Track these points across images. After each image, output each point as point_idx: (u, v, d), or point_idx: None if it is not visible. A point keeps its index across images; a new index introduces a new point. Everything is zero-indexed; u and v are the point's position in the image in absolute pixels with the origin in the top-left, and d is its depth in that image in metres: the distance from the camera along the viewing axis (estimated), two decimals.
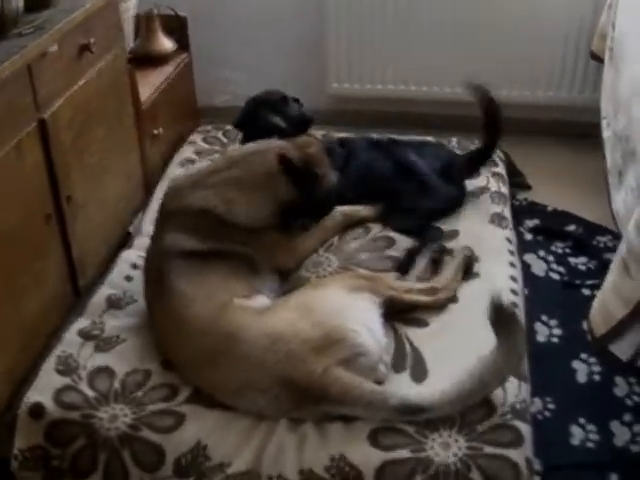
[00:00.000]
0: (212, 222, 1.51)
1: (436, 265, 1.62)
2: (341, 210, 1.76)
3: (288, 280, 1.62)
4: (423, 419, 1.25)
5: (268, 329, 1.31)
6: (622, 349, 1.37)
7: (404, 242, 1.73)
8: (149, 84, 2.13)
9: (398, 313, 1.49)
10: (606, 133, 1.93)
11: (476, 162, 1.99)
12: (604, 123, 1.97)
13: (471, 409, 1.29)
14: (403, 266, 1.62)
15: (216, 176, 1.55)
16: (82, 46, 1.62)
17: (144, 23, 2.33)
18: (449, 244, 1.71)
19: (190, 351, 1.37)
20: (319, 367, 1.25)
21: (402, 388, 1.30)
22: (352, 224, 1.78)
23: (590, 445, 1.44)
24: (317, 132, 2.23)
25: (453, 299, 1.55)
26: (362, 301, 1.39)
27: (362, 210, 1.80)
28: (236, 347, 1.31)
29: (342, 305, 1.36)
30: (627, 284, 1.30)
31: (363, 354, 1.29)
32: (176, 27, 2.38)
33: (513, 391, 1.33)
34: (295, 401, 1.28)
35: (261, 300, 1.44)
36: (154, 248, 1.53)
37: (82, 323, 1.52)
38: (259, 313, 1.36)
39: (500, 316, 1.29)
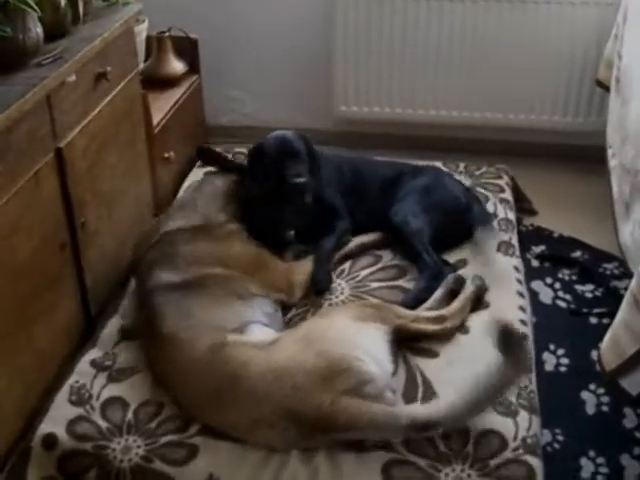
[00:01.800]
0: (186, 245, 1.57)
1: (453, 296, 1.63)
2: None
3: (293, 307, 1.63)
4: (434, 433, 1.26)
5: (271, 364, 1.31)
6: (632, 384, 1.38)
7: (415, 272, 1.74)
8: (160, 107, 2.15)
9: (407, 342, 1.50)
10: (612, 162, 1.95)
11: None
12: (610, 152, 1.98)
13: (483, 443, 1.30)
14: (414, 303, 1.62)
15: (179, 209, 1.69)
16: (98, 74, 1.63)
17: (156, 45, 2.35)
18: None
19: (192, 394, 1.37)
20: (326, 398, 1.26)
21: (410, 406, 1.30)
22: (354, 251, 1.80)
23: (600, 479, 1.44)
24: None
25: (461, 329, 1.56)
26: (367, 329, 1.40)
27: (355, 244, 1.81)
28: (240, 386, 1.31)
29: (347, 334, 1.37)
30: (638, 320, 1.31)
31: (369, 382, 1.29)
32: (187, 49, 2.40)
33: (524, 425, 1.34)
34: (304, 433, 1.28)
35: (256, 331, 1.43)
36: (138, 292, 1.57)
37: (94, 354, 1.52)
38: (259, 348, 1.36)
39: (507, 336, 1.30)
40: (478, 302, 1.63)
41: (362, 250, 1.83)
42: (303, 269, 1.69)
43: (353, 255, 1.82)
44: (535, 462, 1.28)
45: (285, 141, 1.78)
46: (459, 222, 1.86)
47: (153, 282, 1.52)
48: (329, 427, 1.26)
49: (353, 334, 1.37)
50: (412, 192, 1.87)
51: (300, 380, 1.28)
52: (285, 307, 1.65)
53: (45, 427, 1.35)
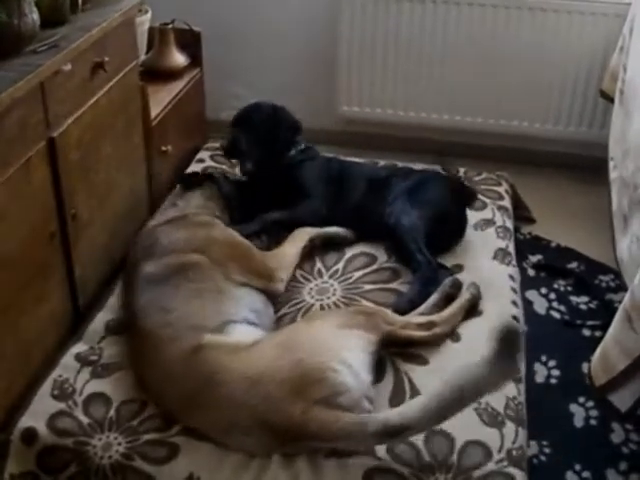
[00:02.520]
0: (164, 236, 1.60)
1: (448, 300, 1.61)
2: (309, 229, 1.80)
3: (278, 301, 1.62)
4: (407, 437, 1.25)
5: (246, 370, 1.30)
6: (622, 400, 1.37)
7: (409, 275, 1.73)
8: (160, 100, 2.12)
9: (397, 348, 1.49)
10: (613, 175, 1.93)
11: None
12: (611, 164, 1.97)
13: (467, 454, 1.29)
14: (408, 307, 1.61)
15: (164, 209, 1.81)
16: (96, 64, 1.61)
17: (158, 37, 2.33)
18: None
19: (169, 395, 1.36)
20: (298, 409, 1.24)
21: (381, 413, 1.27)
22: (325, 241, 1.82)
23: None
24: (326, 154, 2.23)
25: (453, 336, 1.54)
26: (349, 339, 1.38)
27: (333, 230, 1.83)
28: (215, 391, 1.30)
29: (326, 343, 1.35)
30: (630, 337, 1.29)
31: (343, 393, 1.28)
32: (190, 42, 2.37)
33: (510, 436, 1.33)
34: (278, 440, 1.28)
35: (237, 332, 1.41)
36: (123, 288, 1.59)
37: (80, 347, 1.51)
38: (236, 351, 1.34)
39: (505, 334, 1.25)
40: (472, 310, 1.61)
41: (325, 242, 1.83)
42: (280, 254, 1.70)
43: (316, 247, 1.81)
44: (519, 475, 1.27)
45: (243, 111, 2.06)
46: (452, 215, 1.87)
47: (135, 276, 1.53)
48: (300, 436, 1.25)
49: (333, 343, 1.35)
50: (402, 192, 1.88)
51: (273, 389, 1.27)
52: (276, 303, 1.63)
53: (26, 421, 1.34)
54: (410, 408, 1.24)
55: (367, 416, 1.25)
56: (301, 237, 1.78)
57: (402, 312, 1.57)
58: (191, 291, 1.47)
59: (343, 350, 1.34)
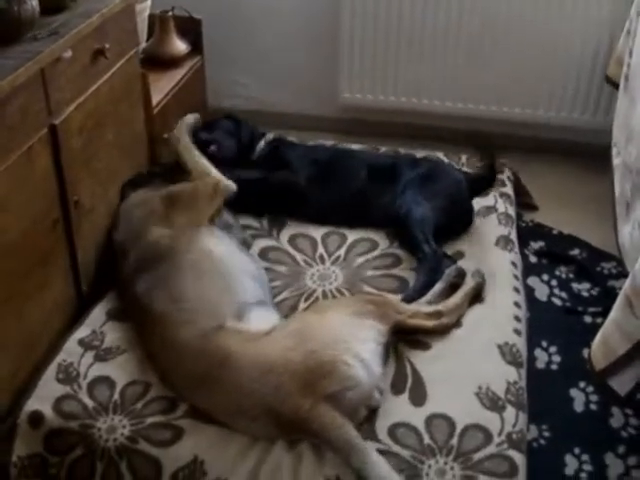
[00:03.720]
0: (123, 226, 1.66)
1: (453, 289, 1.62)
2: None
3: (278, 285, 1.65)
4: None
5: (259, 358, 1.31)
6: (621, 384, 1.37)
7: (411, 262, 1.74)
8: (161, 87, 2.12)
9: (401, 334, 1.50)
10: (616, 161, 1.92)
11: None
12: (614, 150, 1.96)
13: (468, 437, 1.30)
14: (416, 296, 1.61)
15: None
16: (96, 51, 1.61)
17: (158, 24, 2.32)
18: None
19: (181, 374, 1.37)
20: (306, 403, 1.26)
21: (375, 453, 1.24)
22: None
23: (583, 476, 1.45)
24: (327, 141, 2.24)
25: (457, 324, 1.55)
26: (362, 329, 1.39)
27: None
28: (227, 375, 1.31)
29: (339, 334, 1.36)
30: (630, 321, 1.30)
31: (352, 388, 1.29)
32: (190, 29, 2.36)
33: (510, 420, 1.34)
34: (283, 429, 1.29)
35: (254, 319, 1.42)
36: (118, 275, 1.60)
37: (83, 333, 1.52)
38: (251, 338, 1.35)
39: None
40: (476, 297, 1.62)
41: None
42: (196, 169, 1.74)
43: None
44: (518, 457, 1.28)
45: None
46: (463, 207, 1.87)
47: (123, 270, 1.57)
48: (304, 430, 1.27)
49: (346, 334, 1.36)
50: (413, 182, 1.87)
51: (284, 380, 1.28)
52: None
53: (32, 404, 1.36)
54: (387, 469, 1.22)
55: (367, 445, 1.24)
56: (193, 153, 1.80)
57: (409, 303, 1.58)
58: (190, 265, 1.48)
59: (355, 342, 1.35)
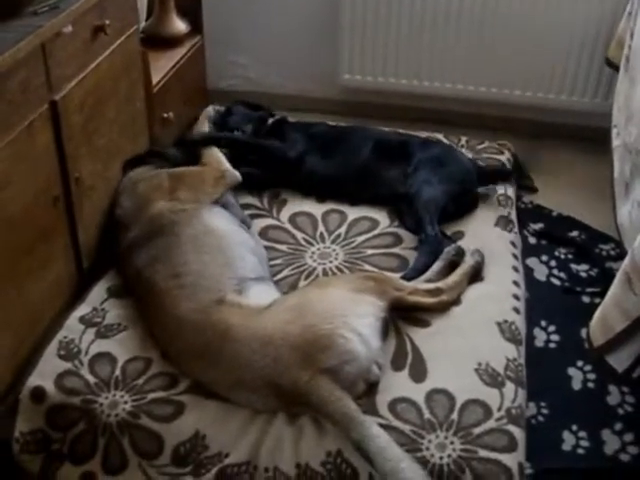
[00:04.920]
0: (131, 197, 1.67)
1: (452, 268, 1.62)
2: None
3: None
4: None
5: (259, 331, 1.32)
6: (619, 360, 1.38)
7: (411, 241, 1.74)
8: (161, 67, 2.11)
9: (401, 311, 1.51)
10: (615, 142, 1.92)
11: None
12: (614, 132, 1.96)
13: (468, 412, 1.31)
14: (415, 276, 1.62)
15: None
16: (96, 27, 1.60)
17: (158, 3, 2.30)
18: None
19: (182, 348, 1.38)
20: (305, 375, 1.27)
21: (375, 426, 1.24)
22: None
23: (580, 452, 1.47)
24: (327, 122, 2.23)
25: (456, 302, 1.56)
26: (361, 305, 1.40)
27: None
28: (227, 346, 1.32)
29: (338, 308, 1.36)
30: (629, 298, 1.30)
31: (350, 362, 1.30)
32: (190, 8, 2.34)
33: (510, 396, 1.36)
34: (283, 401, 1.30)
35: (254, 293, 1.43)
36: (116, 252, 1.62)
37: (83, 310, 1.52)
38: (251, 312, 1.36)
39: None
40: (476, 276, 1.63)
41: None
42: (208, 157, 1.80)
43: None
44: (517, 432, 1.29)
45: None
46: (471, 195, 1.87)
47: (123, 244, 1.58)
48: (303, 402, 1.28)
49: (345, 309, 1.36)
50: (425, 162, 1.88)
51: (283, 352, 1.29)
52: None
53: (34, 380, 1.36)
54: (387, 438, 1.23)
55: (366, 418, 1.25)
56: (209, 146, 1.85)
57: (408, 282, 1.58)
58: (190, 239, 1.50)
59: (354, 317, 1.35)
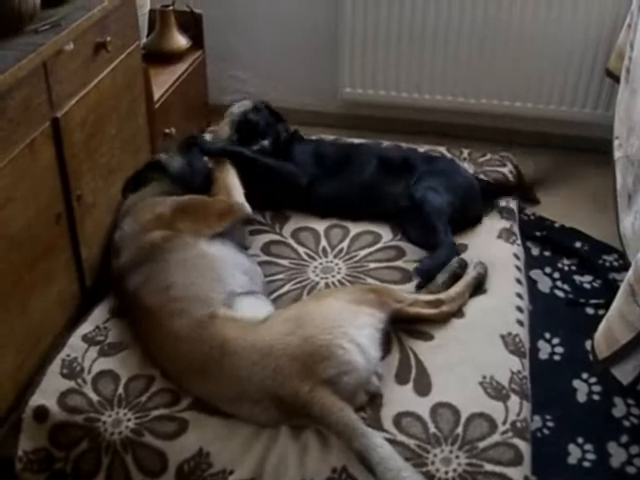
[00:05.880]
0: (122, 228, 1.63)
1: (454, 280, 1.62)
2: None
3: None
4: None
5: (257, 342, 1.31)
6: (624, 373, 1.38)
7: (414, 254, 1.74)
8: (162, 82, 2.13)
9: (403, 324, 1.50)
10: (617, 154, 1.93)
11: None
12: (616, 143, 1.96)
13: (473, 425, 1.30)
14: (422, 284, 1.63)
15: None
16: (98, 44, 1.61)
17: (159, 19, 2.32)
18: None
19: (180, 365, 1.37)
20: (305, 386, 1.26)
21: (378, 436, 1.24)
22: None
23: (586, 465, 1.46)
24: (328, 136, 2.24)
25: (458, 314, 1.55)
26: (360, 316, 1.39)
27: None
28: (226, 360, 1.32)
29: (337, 320, 1.36)
30: (633, 310, 1.30)
31: (348, 372, 1.29)
32: (191, 24, 2.37)
33: (515, 409, 1.35)
34: (285, 413, 1.29)
35: (246, 307, 1.42)
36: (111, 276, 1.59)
37: (86, 328, 1.52)
38: (248, 325, 1.36)
39: None
40: (478, 288, 1.62)
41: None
42: (221, 185, 1.69)
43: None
44: (523, 446, 1.28)
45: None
46: (474, 208, 1.87)
47: (115, 269, 1.57)
48: (305, 414, 1.27)
49: (343, 320, 1.36)
50: (429, 174, 1.87)
51: (282, 363, 1.28)
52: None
53: (37, 399, 1.36)
54: (390, 450, 1.22)
55: (368, 428, 1.24)
56: (225, 167, 1.75)
57: (424, 275, 1.61)
58: (183, 265, 1.48)
59: (353, 327, 1.35)
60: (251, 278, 1.54)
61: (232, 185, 1.69)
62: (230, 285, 1.46)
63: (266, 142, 1.89)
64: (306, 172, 1.88)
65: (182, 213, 1.60)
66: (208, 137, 1.91)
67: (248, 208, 1.66)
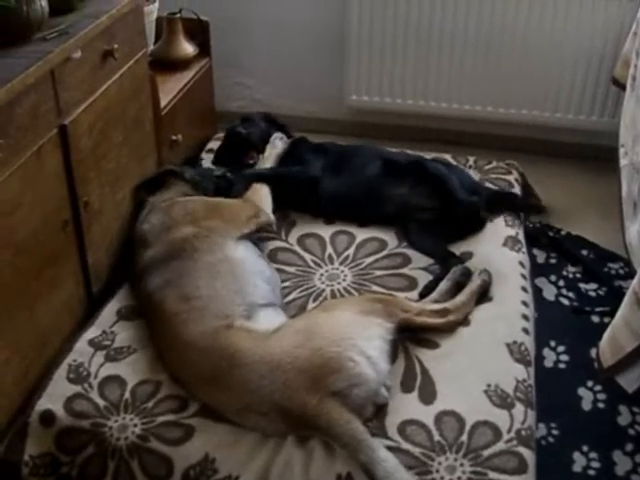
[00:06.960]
0: (149, 223, 1.66)
1: (459, 288, 1.62)
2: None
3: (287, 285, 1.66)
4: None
5: (267, 354, 1.32)
6: (629, 381, 1.37)
7: (420, 261, 1.74)
8: (169, 89, 2.13)
9: (409, 333, 1.50)
10: (623, 162, 1.93)
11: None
12: (622, 151, 1.96)
13: (477, 434, 1.30)
14: (427, 292, 1.63)
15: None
16: (105, 52, 1.62)
17: (166, 26, 2.34)
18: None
19: (190, 372, 1.38)
20: (314, 398, 1.27)
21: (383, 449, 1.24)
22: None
23: (591, 473, 1.45)
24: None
25: (464, 322, 1.55)
26: (369, 327, 1.40)
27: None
28: (236, 371, 1.32)
29: (345, 331, 1.36)
30: (638, 318, 1.30)
31: (358, 385, 1.30)
32: (198, 31, 2.38)
33: (519, 417, 1.35)
34: (292, 425, 1.30)
35: (263, 318, 1.43)
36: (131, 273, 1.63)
37: (93, 333, 1.53)
38: (259, 336, 1.37)
39: None
40: (483, 296, 1.62)
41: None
42: (253, 192, 1.80)
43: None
44: (527, 454, 1.28)
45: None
46: (475, 214, 1.88)
47: (140, 262, 1.59)
48: (312, 425, 1.28)
49: (352, 332, 1.36)
50: (437, 169, 1.92)
51: (291, 376, 1.29)
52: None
53: (43, 403, 1.37)
54: (395, 463, 1.22)
55: (374, 441, 1.24)
56: (260, 186, 1.85)
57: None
58: (206, 265, 1.50)
59: (362, 339, 1.35)
60: (273, 289, 1.56)
61: (262, 196, 1.80)
62: (251, 295, 1.47)
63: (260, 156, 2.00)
64: (312, 169, 1.93)
65: (214, 211, 1.66)
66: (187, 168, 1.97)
67: (272, 217, 1.77)
